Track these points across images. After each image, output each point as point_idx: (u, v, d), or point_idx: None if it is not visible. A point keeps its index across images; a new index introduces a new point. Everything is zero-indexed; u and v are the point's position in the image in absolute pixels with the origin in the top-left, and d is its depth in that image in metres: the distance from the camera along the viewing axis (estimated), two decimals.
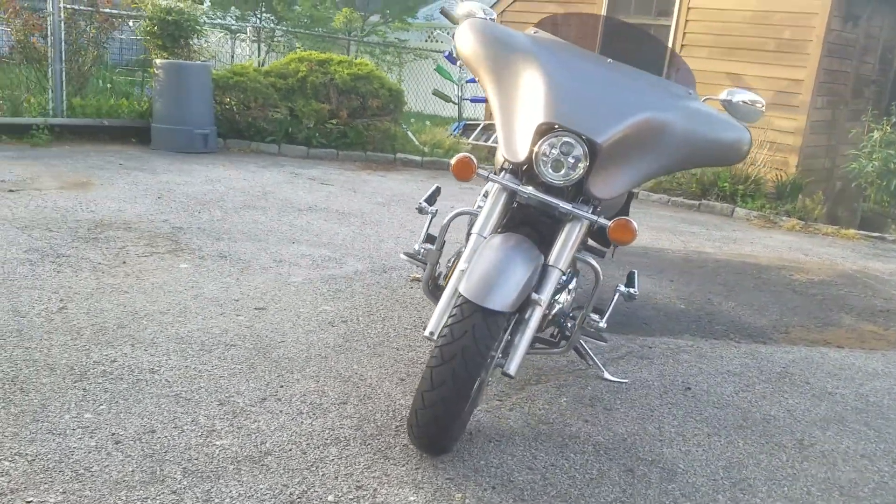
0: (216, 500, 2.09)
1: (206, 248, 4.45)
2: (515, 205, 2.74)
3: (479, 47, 2.71)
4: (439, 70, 9.36)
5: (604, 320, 2.86)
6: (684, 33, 8.97)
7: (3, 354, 2.80)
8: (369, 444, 2.48)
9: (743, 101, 2.83)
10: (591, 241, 3.75)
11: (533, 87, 2.57)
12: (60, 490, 2.05)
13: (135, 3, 8.52)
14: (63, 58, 7.86)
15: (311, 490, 2.19)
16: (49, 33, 7.74)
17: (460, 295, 2.27)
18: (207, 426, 2.47)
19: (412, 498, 2.21)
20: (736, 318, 4.33)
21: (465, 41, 2.74)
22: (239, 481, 2.19)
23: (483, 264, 2.31)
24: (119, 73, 10.27)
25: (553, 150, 2.49)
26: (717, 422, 2.95)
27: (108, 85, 9.14)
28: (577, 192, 2.60)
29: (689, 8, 8.94)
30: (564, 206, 2.55)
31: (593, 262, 2.77)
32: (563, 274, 2.57)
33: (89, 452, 2.25)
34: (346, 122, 8.50)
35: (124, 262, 4.03)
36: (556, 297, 2.88)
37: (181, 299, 3.58)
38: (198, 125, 7.76)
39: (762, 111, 2.84)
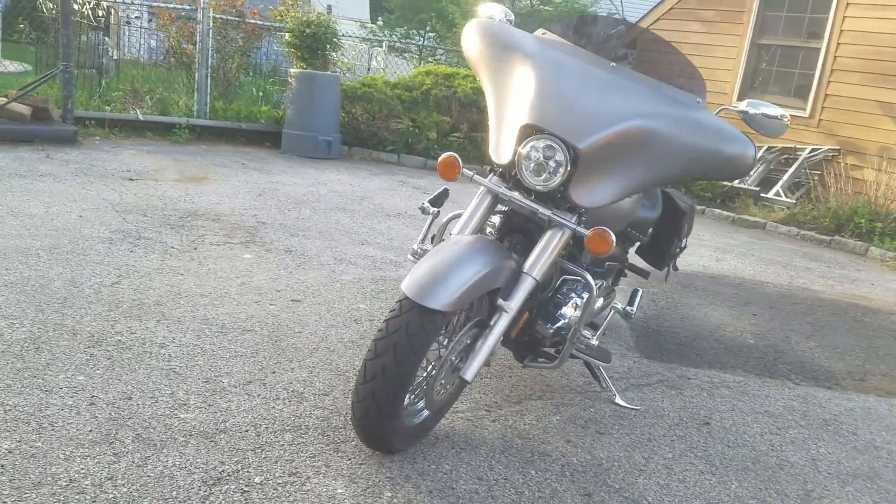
0: (149, 467, 2.17)
1: (277, 242, 4.65)
2: (508, 210, 2.67)
3: (481, 47, 2.66)
4: None
5: (595, 337, 2.71)
6: (835, 57, 8.30)
7: (39, 317, 3.07)
8: (328, 435, 2.48)
9: (764, 114, 2.61)
10: (636, 261, 3.57)
11: (524, 87, 2.49)
12: (17, 439, 2.22)
13: (280, 15, 9.07)
14: (209, 64, 8.52)
15: (244, 470, 2.22)
16: (197, 40, 8.43)
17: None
18: (181, 400, 2.58)
19: (340, 491, 2.19)
20: (808, 359, 3.93)
21: (469, 41, 2.70)
22: (181, 453, 2.26)
23: (430, 261, 2.26)
24: (272, 81, 10.96)
25: (536, 154, 2.40)
26: (720, 460, 2.69)
27: (261, 93, 9.78)
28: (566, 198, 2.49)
29: (841, 31, 8.27)
30: (543, 211, 2.45)
31: (587, 277, 2.63)
32: (537, 283, 2.46)
33: (62, 409, 2.41)
34: (466, 134, 8.59)
35: (195, 249, 4.29)
36: (561, 311, 2.76)
37: (227, 285, 3.76)
38: (323, 132, 8.12)
39: (786, 124, 2.61)
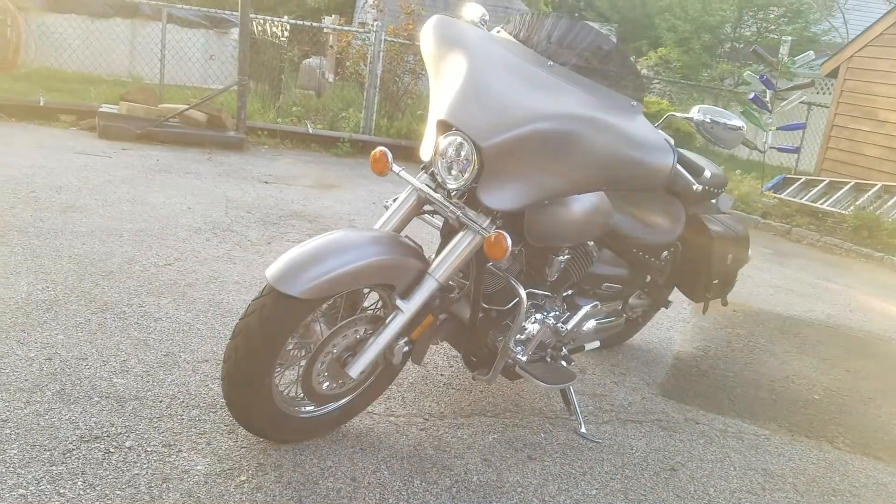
0: (46, 416, 2.33)
1: None
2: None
3: (430, 44, 2.56)
4: (745, 114, 8.49)
5: (525, 353, 2.50)
6: None
7: (74, 284, 3.42)
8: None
9: (714, 121, 2.31)
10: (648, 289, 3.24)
11: (450, 84, 2.37)
12: None
13: None
14: (378, 84, 8.97)
15: (124, 434, 2.31)
16: (368, 61, 8.91)
17: None
18: (127, 367, 2.74)
19: (199, 467, 2.20)
20: (877, 424, 3.29)
21: (424, 40, 2.61)
22: (83, 410, 2.40)
23: (301, 248, 2.21)
24: None
25: (449, 151, 2.28)
26: None
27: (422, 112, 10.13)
28: None
29: None
30: (452, 210, 2.32)
31: (519, 289, 2.44)
32: (439, 284, 2.32)
33: (20, 360, 2.66)
34: None
35: (269, 243, 4.54)
36: (524, 324, 2.60)
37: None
38: None
39: (742, 134, 2.29)
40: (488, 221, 2.31)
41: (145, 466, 2.16)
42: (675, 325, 4.24)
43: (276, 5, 18.20)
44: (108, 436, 2.29)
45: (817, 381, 3.71)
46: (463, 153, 2.24)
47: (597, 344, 3.16)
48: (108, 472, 2.10)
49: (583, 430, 2.77)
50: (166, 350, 2.91)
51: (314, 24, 10.42)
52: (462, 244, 2.32)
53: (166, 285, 3.58)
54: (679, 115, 2.49)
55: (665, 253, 3.12)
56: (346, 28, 9.65)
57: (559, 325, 2.64)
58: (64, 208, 4.57)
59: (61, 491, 2.00)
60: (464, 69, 2.35)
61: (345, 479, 2.26)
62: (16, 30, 11.20)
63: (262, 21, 10.21)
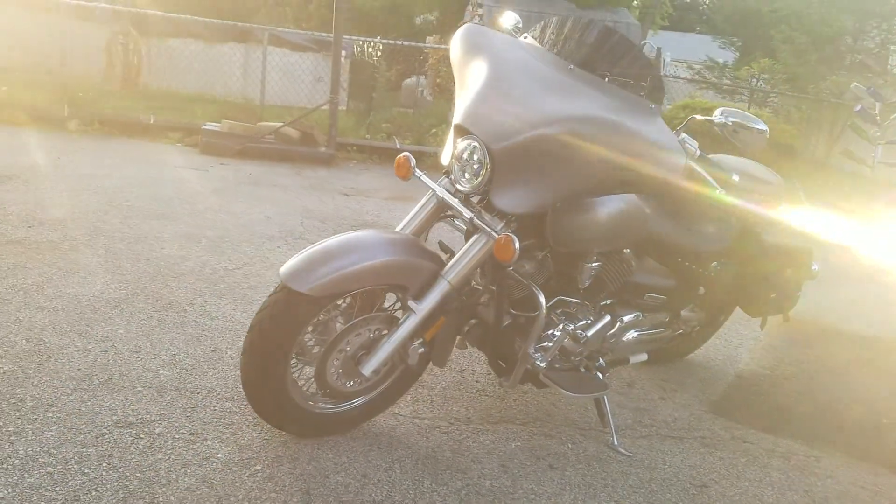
0: (87, 403, 2.50)
1: None
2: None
3: (459, 53, 2.60)
4: (853, 127, 8.02)
5: (544, 359, 2.49)
6: None
7: (145, 284, 3.64)
8: None
9: (737, 124, 2.26)
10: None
11: (471, 89, 2.41)
12: (21, 365, 2.69)
13: None
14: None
15: (158, 421, 2.44)
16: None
17: None
18: (175, 360, 2.89)
19: (220, 455, 2.31)
20: None
21: (452, 49, 2.65)
22: (125, 398, 2.56)
23: (316, 246, 2.29)
24: None
25: (465, 154, 2.32)
26: None
27: None
28: None
29: None
30: (465, 213, 2.35)
31: (539, 296, 2.43)
32: (451, 287, 2.34)
33: (74, 352, 2.85)
34: None
35: None
36: (552, 332, 2.59)
37: None
38: None
39: (766, 137, 2.22)
40: (502, 224, 2.33)
41: (169, 452, 2.29)
42: (745, 342, 4.07)
43: (389, 28, 18.74)
44: (141, 422, 2.43)
45: (892, 406, 3.48)
46: (476, 156, 2.27)
47: (644, 357, 3.09)
48: (132, 456, 2.24)
49: (614, 442, 2.71)
50: (215, 346, 3.06)
51: (408, 43, 10.65)
52: (475, 247, 2.34)
53: (230, 287, 3.76)
54: (700, 117, 2.42)
55: (714, 263, 3.01)
56: (443, 47, 9.82)
57: (579, 332, 2.60)
58: (152, 216, 4.87)
59: (85, 471, 2.14)
60: (483, 75, 2.38)
61: (355, 475, 2.31)
62: (137, 53, 12.03)
63: (360, 42, 10.54)
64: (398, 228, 2.56)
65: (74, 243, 4.10)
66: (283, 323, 2.22)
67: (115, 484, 2.10)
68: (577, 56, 2.38)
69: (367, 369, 2.33)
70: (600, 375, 2.77)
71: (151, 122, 8.37)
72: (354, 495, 2.21)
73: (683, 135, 2.37)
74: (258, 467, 2.27)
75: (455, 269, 2.35)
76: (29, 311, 3.14)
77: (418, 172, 2.54)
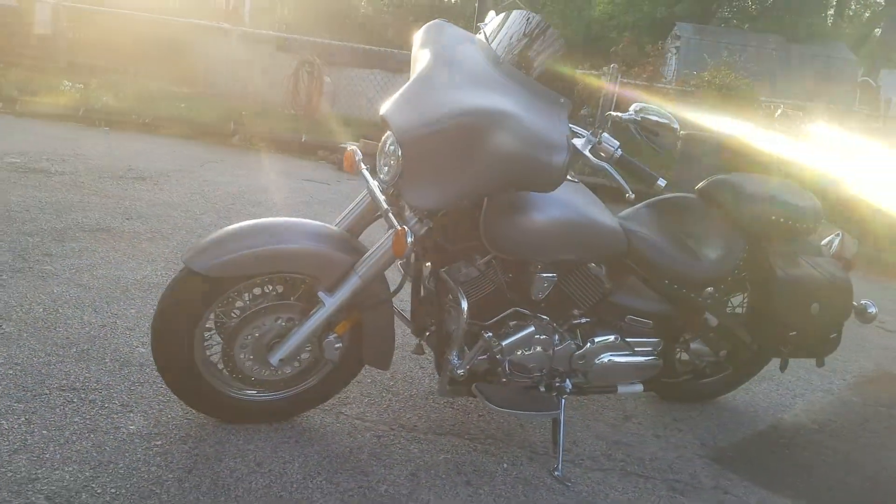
0: (49, 367, 2.66)
1: None
2: None
3: (416, 49, 2.51)
4: None
5: (462, 366, 2.32)
6: None
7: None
8: None
9: (650, 120, 2.00)
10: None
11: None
12: (46, 343, 2.94)
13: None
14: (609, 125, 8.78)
15: (98, 390, 2.54)
16: (601, 104, 8.77)
17: None
18: (141, 332, 3.01)
19: (131, 427, 2.36)
20: None
21: (414, 43, 2.57)
22: (85, 368, 2.70)
23: (230, 227, 2.29)
24: None
25: (385, 146, 2.25)
26: None
27: None
28: None
29: None
30: (382, 207, 2.26)
31: (462, 302, 2.28)
32: (362, 281, 2.25)
33: (77, 324, 3.04)
34: None
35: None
36: (491, 337, 2.42)
37: None
38: None
39: (678, 135, 1.93)
40: (415, 220, 2.21)
41: (86, 417, 2.37)
42: (809, 392, 3.53)
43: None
44: (84, 389, 2.54)
45: None
46: (393, 148, 2.18)
47: (638, 387, 2.77)
48: (52, 416, 2.34)
49: (558, 469, 2.44)
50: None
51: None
52: (385, 243, 2.24)
53: None
54: (615, 113, 2.19)
55: (710, 290, 2.66)
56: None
57: (501, 343, 2.38)
58: (243, 217, 5.14)
59: (3, 423, 2.27)
60: (420, 68, 2.29)
61: (250, 463, 2.26)
62: (319, 80, 12.87)
63: None
64: (336, 222, 2.50)
65: (154, 235, 4.42)
66: (183, 306, 2.23)
67: (18, 436, 2.21)
68: (507, 49, 2.24)
69: (274, 358, 2.29)
70: (560, 398, 2.52)
71: (303, 140, 8.90)
72: (235, 480, 2.16)
73: (604, 135, 2.16)
74: (158, 442, 2.29)
75: (366, 264, 2.26)
76: (67, 287, 3.40)
77: (363, 167, 2.47)
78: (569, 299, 2.51)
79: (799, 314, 2.69)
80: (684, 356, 2.89)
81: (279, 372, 2.40)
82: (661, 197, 2.85)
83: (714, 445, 2.85)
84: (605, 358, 2.60)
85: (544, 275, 2.40)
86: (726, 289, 2.72)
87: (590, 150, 2.22)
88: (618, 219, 2.62)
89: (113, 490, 2.04)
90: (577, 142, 2.22)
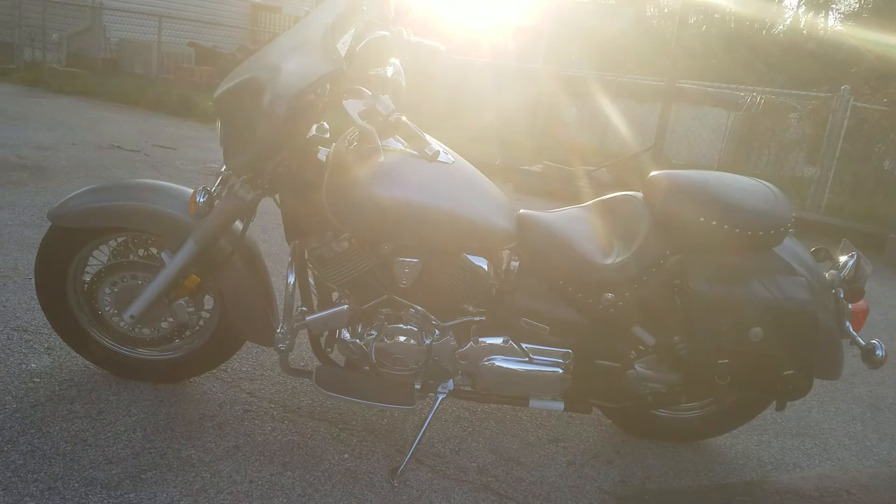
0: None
1: None
2: None
3: None
4: None
5: (282, 340, 2.25)
6: None
7: None
8: None
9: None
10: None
11: None
12: None
13: None
14: (836, 156, 7.64)
15: (46, 335, 2.81)
16: (827, 131, 7.66)
17: None
18: None
19: (34, 365, 2.57)
20: None
21: None
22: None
23: (94, 184, 2.41)
24: None
25: None
26: None
27: None
28: None
29: None
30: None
31: (289, 275, 2.23)
32: (196, 245, 2.28)
33: None
34: None
35: None
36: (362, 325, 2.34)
37: None
38: None
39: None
40: (239, 184, 2.18)
41: (22, 357, 2.61)
42: (825, 461, 2.76)
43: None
44: (33, 331, 2.80)
45: None
46: None
47: (557, 405, 2.41)
48: None
49: (400, 468, 2.22)
50: None
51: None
52: (220, 206, 2.22)
53: None
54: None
55: (609, 295, 2.22)
56: (800, 93, 8.55)
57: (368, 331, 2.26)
58: None
59: None
60: None
61: (92, 411, 2.34)
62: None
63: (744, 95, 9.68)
64: None
65: None
66: (50, 258, 2.39)
67: None
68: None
69: (127, 313, 2.35)
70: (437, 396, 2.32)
71: (497, 162, 8.98)
72: (83, 439, 2.21)
73: (382, 97, 1.95)
74: (38, 380, 2.46)
75: (199, 230, 2.25)
76: None
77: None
78: (447, 291, 2.25)
79: (727, 337, 2.14)
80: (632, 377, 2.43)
81: (136, 330, 2.46)
82: (609, 196, 2.48)
83: (639, 486, 2.36)
84: (492, 361, 2.29)
85: (405, 259, 2.19)
86: (626, 293, 2.24)
87: (360, 113, 1.98)
88: (523, 212, 2.34)
89: None
90: (353, 102, 2.02)
